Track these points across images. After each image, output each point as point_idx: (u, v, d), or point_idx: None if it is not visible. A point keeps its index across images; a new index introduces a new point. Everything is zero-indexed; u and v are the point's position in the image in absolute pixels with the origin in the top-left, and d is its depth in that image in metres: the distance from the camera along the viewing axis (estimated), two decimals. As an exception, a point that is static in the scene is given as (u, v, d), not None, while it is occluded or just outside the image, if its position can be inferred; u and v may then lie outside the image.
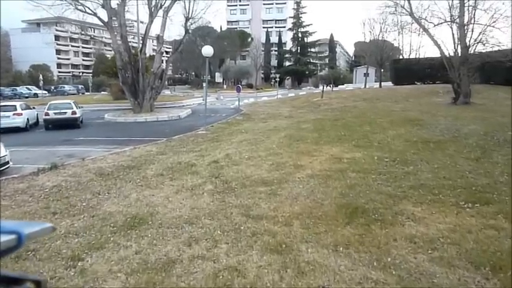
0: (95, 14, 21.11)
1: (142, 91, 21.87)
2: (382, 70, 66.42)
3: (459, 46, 19.85)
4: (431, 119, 14.67)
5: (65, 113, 17.47)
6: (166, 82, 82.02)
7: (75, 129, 17.44)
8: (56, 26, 67.51)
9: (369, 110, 19.36)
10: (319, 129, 13.63)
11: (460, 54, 20.18)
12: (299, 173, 7.72)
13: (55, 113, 17.42)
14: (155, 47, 64.88)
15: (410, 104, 20.78)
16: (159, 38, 21.68)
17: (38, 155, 11.50)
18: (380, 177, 7.18)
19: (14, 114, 16.63)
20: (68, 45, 73.96)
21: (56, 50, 70.71)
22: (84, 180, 7.96)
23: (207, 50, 14.00)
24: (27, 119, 17.44)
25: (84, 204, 6.42)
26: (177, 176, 8.08)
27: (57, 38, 69.37)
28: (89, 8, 20.89)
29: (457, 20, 19.50)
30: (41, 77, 39.36)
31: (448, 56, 20.73)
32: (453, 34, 20.66)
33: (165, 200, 6.44)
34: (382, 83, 39.87)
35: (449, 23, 20.42)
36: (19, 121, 16.76)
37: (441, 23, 19.40)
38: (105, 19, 21.09)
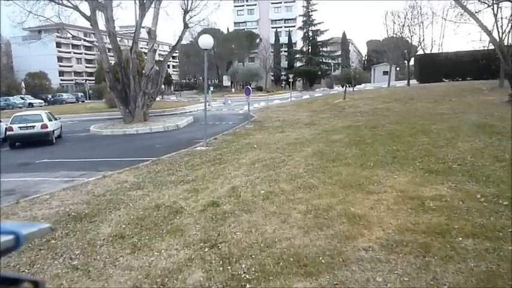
0: (75, 8, 17.79)
1: (133, 97, 18.46)
2: (399, 68, 62.48)
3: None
4: (505, 124, 11.04)
5: (33, 127, 14.18)
6: (172, 87, 79.31)
7: (48, 146, 14.17)
8: (57, 32, 64.99)
9: (409, 113, 15.77)
10: (358, 142, 10.11)
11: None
12: (362, 239, 4.25)
13: (20, 128, 14.13)
14: (161, 51, 62.01)
15: (456, 104, 17.08)
16: (150, 33, 18.19)
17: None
18: (529, 252, 3.66)
19: None
20: (70, 52, 71.31)
21: (58, 57, 68.02)
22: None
23: (205, 40, 10.38)
24: (-11, 135, 14.27)
25: None
26: (145, 240, 4.70)
27: (58, 45, 66.72)
28: (67, 1, 17.61)
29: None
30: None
31: (499, 45, 17.06)
32: (497, 20, 17.12)
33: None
34: (403, 81, 36.11)
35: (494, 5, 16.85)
36: (-24, 138, 13.57)
37: (501, 1, 15.63)
38: (88, 13, 17.77)
